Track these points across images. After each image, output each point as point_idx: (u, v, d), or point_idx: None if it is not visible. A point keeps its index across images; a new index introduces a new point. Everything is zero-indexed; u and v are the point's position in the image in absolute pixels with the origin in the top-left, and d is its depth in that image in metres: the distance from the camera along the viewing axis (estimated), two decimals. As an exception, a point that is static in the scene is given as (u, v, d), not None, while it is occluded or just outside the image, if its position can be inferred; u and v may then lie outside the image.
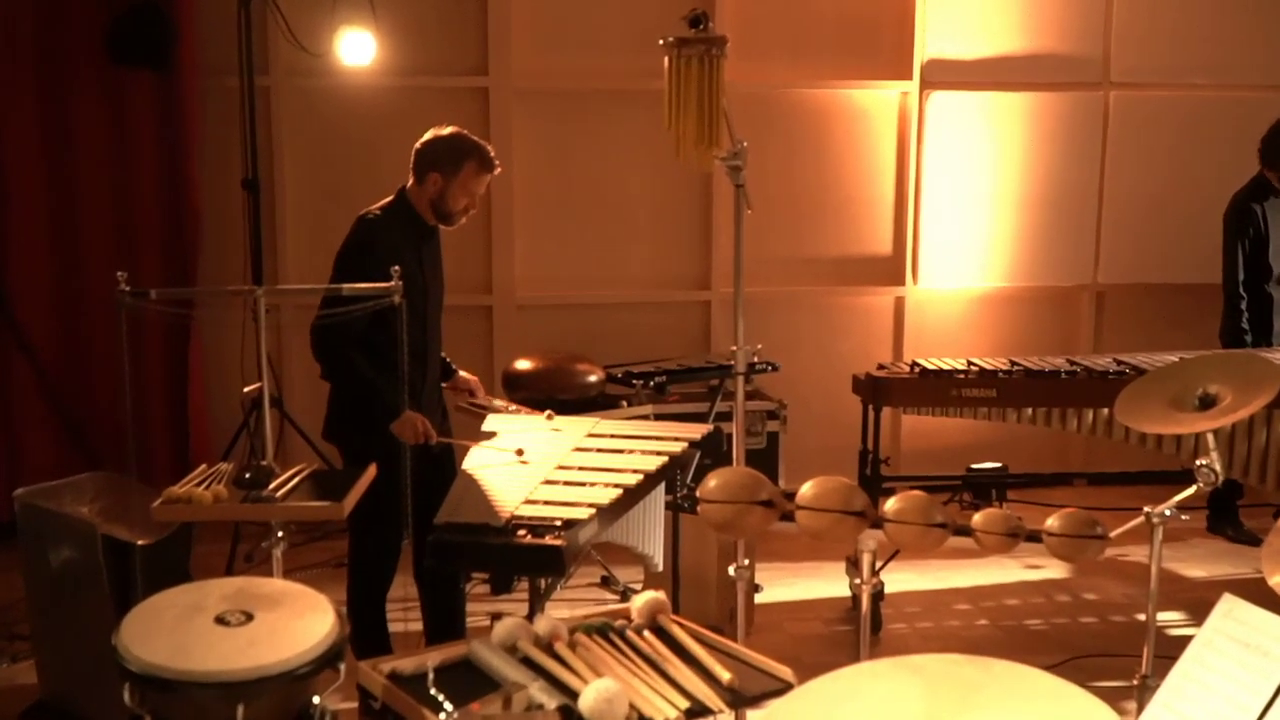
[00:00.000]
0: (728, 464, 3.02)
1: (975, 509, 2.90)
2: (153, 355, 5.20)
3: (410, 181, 3.60)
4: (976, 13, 5.77)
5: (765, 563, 4.73)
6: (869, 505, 2.49)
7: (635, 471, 3.14)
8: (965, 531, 2.54)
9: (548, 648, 2.33)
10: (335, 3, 4.94)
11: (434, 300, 3.68)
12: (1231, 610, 1.84)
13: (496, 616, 2.42)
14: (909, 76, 5.74)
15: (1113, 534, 2.62)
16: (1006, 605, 4.59)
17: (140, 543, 3.38)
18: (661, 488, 3.42)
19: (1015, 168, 5.90)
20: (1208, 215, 5.27)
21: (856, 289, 5.90)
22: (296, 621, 2.19)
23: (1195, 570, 4.92)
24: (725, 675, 2.26)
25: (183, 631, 2.15)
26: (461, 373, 3.93)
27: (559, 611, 4.21)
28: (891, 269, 5.93)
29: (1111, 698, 1.70)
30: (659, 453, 3.31)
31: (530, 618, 2.48)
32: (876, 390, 4.37)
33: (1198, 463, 2.90)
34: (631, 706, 2.09)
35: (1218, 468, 2.88)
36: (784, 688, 2.27)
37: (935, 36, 5.75)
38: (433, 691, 2.13)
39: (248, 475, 2.94)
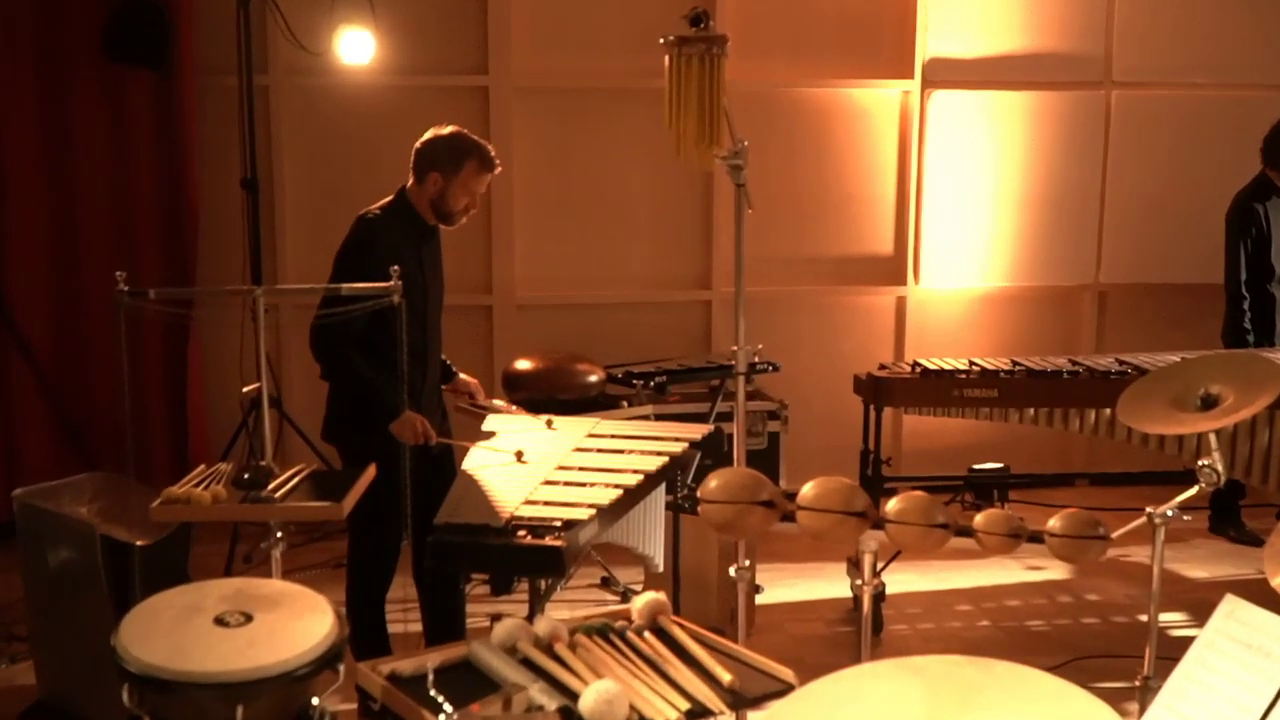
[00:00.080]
0: (728, 464, 3.02)
1: (977, 509, 2.90)
2: (151, 355, 5.19)
3: (410, 181, 3.59)
4: (978, 12, 5.77)
5: (766, 563, 4.72)
6: (870, 506, 2.49)
7: (635, 472, 3.14)
8: (967, 532, 2.54)
9: (548, 649, 2.33)
10: (334, 1, 4.93)
11: (434, 300, 3.67)
12: (1233, 611, 1.84)
13: (496, 617, 2.42)
14: (910, 75, 5.73)
15: (1114, 535, 2.61)
16: (1008, 606, 4.58)
17: (139, 543, 3.38)
18: (662, 488, 3.42)
19: (1017, 167, 5.89)
20: (1210, 215, 5.26)
21: (858, 289, 5.90)
22: (295, 622, 2.19)
23: (1197, 571, 4.91)
24: (726, 676, 2.26)
25: (181, 632, 2.14)
26: (462, 375, 3.92)
27: (559, 612, 4.20)
28: (893, 268, 5.93)
29: (1113, 699, 1.70)
30: (659, 453, 3.31)
31: (530, 619, 2.47)
32: (878, 390, 4.37)
33: (1200, 463, 2.90)
34: (632, 708, 2.09)
35: (1220, 468, 2.88)
36: (785, 689, 2.26)
37: (937, 35, 5.74)
38: (432, 693, 2.13)
39: (246, 476, 2.94)
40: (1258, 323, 5.04)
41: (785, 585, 4.71)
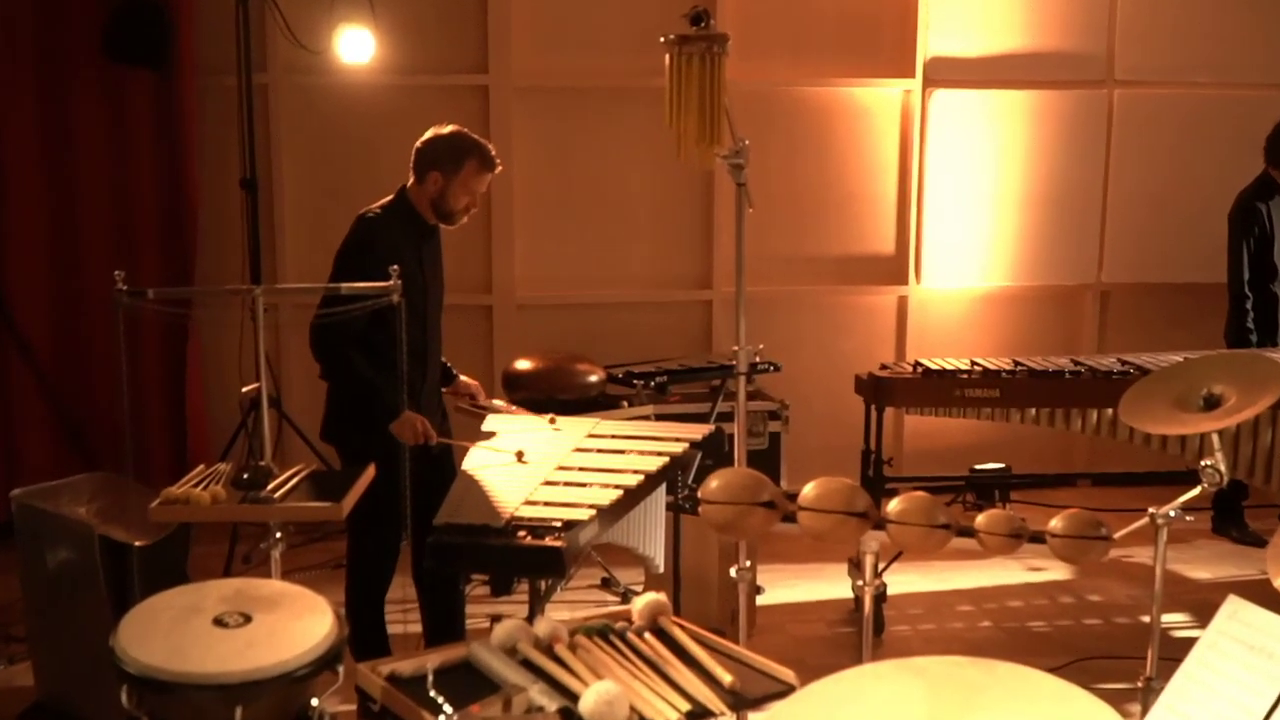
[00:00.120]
0: (729, 465, 3.01)
1: (978, 510, 2.90)
2: (150, 355, 5.18)
3: (411, 180, 3.58)
4: (979, 10, 5.76)
5: (767, 564, 4.71)
6: (871, 506, 2.48)
7: (636, 472, 3.13)
8: (968, 533, 2.53)
9: (548, 650, 2.33)
10: (334, 0, 4.92)
11: (434, 300, 3.67)
12: (1236, 612, 1.85)
13: (496, 618, 2.42)
14: (912, 74, 5.72)
15: (1117, 535, 2.61)
16: (1010, 607, 4.57)
17: (138, 544, 3.37)
18: (662, 489, 3.41)
19: (1019, 166, 5.89)
20: (1213, 214, 5.25)
21: (859, 288, 5.89)
22: (295, 623, 2.19)
23: (1200, 572, 4.90)
24: (727, 677, 2.26)
25: (180, 633, 2.14)
26: (462, 377, 3.91)
27: (559, 613, 4.19)
28: (894, 268, 5.92)
29: (1115, 700, 1.69)
30: (660, 453, 3.30)
31: (530, 619, 2.48)
32: (879, 390, 4.36)
33: (1202, 463, 2.89)
34: (632, 709, 2.09)
35: (1222, 468, 2.87)
36: (786, 690, 2.26)
37: (938, 34, 5.73)
38: (432, 694, 2.13)
39: (246, 476, 2.93)
40: (1260, 322, 5.03)
41: (786, 586, 4.70)
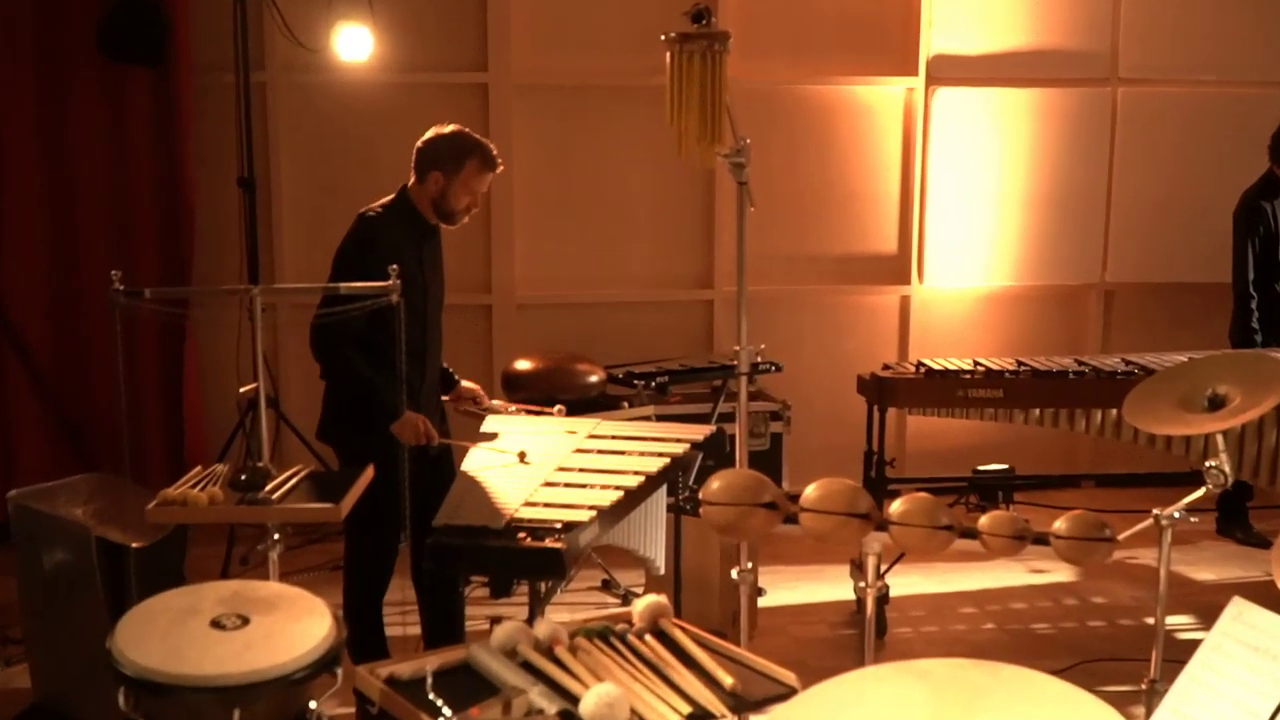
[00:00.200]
0: (730, 465, 3.00)
1: (981, 511, 2.89)
2: (148, 355, 5.17)
3: (412, 180, 3.57)
4: (982, 8, 5.75)
5: (768, 566, 4.69)
6: (874, 507, 2.47)
7: (637, 473, 3.12)
8: (971, 534, 2.52)
9: (548, 652, 2.32)
10: (332, -2, 4.91)
11: (434, 300, 3.66)
12: (1241, 614, 1.87)
13: (496, 620, 2.42)
14: (914, 72, 5.71)
15: (1121, 537, 2.60)
16: (1013, 609, 4.56)
17: (135, 545, 3.36)
18: (663, 490, 3.40)
19: (1022, 165, 5.87)
20: (1217, 213, 5.24)
21: (861, 288, 5.87)
22: (293, 625, 2.19)
23: (1204, 573, 4.89)
24: (728, 680, 2.26)
25: (178, 635, 2.14)
26: (464, 383, 3.89)
27: (559, 615, 4.17)
28: (897, 267, 5.90)
29: (1119, 702, 1.69)
30: (661, 454, 3.29)
31: (530, 621, 2.48)
32: (882, 391, 4.35)
33: (1207, 464, 2.90)
34: (633, 711, 2.09)
35: (1227, 469, 2.87)
36: (788, 692, 2.25)
37: (941, 32, 5.72)
38: (431, 696, 2.13)
39: (244, 477, 2.93)
40: (1265, 322, 5.01)
41: (788, 588, 4.69)
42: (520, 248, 5.56)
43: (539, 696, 2.12)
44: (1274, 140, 4.98)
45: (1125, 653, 4.02)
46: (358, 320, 3.23)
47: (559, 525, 2.73)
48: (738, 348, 3.24)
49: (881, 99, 5.79)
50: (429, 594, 3.67)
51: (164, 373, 5.22)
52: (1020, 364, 4.42)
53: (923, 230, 5.84)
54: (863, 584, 2.55)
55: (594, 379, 4.65)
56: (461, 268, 5.09)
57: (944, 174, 5.81)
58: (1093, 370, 4.36)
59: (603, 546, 3.59)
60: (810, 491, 2.49)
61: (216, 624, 2.16)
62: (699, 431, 3.53)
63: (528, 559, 2.68)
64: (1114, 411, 4.11)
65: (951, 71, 5.75)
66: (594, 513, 2.82)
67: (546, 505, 2.87)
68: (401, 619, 3.80)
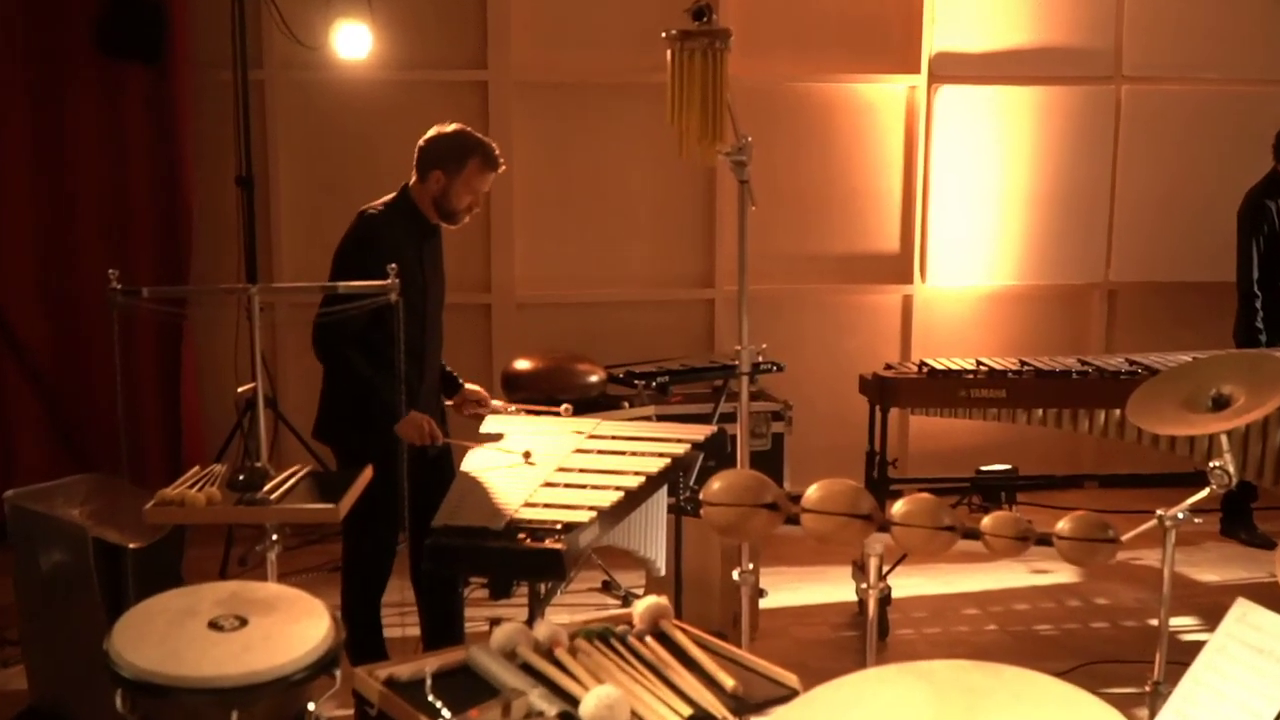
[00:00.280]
0: (732, 466, 2.99)
1: (984, 512, 2.87)
2: (145, 355, 5.16)
3: (413, 179, 3.56)
4: (985, 5, 5.74)
5: (770, 567, 4.68)
6: (876, 508, 2.46)
7: (637, 474, 3.11)
8: (974, 535, 2.51)
9: (548, 653, 2.32)
10: (331, -5, 4.90)
11: (434, 300, 3.64)
12: (1245, 615, 1.88)
13: (495, 622, 2.41)
14: (917, 70, 5.70)
15: (1124, 537, 2.59)
16: (1016, 610, 4.55)
17: (132, 546, 3.34)
18: (664, 490, 3.39)
19: (1025, 163, 5.86)
20: (1222, 212, 5.24)
21: (863, 287, 5.86)
22: (291, 627, 2.19)
23: (1208, 574, 4.87)
24: (729, 682, 2.26)
25: (176, 637, 2.14)
26: (468, 385, 3.86)
27: (559, 617, 4.15)
28: (899, 267, 5.89)
29: (1123, 704, 1.68)
30: (661, 454, 3.28)
31: (530, 623, 2.48)
32: (884, 390, 4.34)
33: (1211, 465, 2.90)
34: (633, 713, 2.09)
35: (1231, 470, 2.87)
36: (789, 694, 2.25)
37: (943, 29, 5.71)
38: (430, 698, 2.13)
39: (241, 477, 2.93)
40: (1270, 321, 5.01)
41: (789, 589, 4.68)
42: (520, 246, 5.55)
43: (539, 698, 2.11)
44: (1278, 138, 4.97)
45: (1128, 654, 4.00)
46: (358, 319, 3.22)
47: (559, 526, 2.72)
48: (739, 347, 3.23)
49: (884, 97, 5.78)
50: (428, 595, 3.65)
51: (162, 372, 5.21)
52: (1023, 364, 4.41)
53: (925, 229, 5.83)
54: (864, 585, 2.54)
55: (594, 379, 4.64)
56: (461, 267, 5.07)
57: (946, 172, 5.80)
58: (1096, 370, 4.35)
59: (603, 547, 3.58)
60: (812, 492, 2.48)
61: (214, 625, 2.16)
62: (700, 432, 3.52)
63: (527, 560, 2.67)
64: (1117, 412, 4.11)
65: (954, 69, 5.74)
66: (594, 513, 2.81)
67: (546, 506, 2.86)
68: (400, 620, 3.79)
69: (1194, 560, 4.98)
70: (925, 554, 2.57)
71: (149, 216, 5.14)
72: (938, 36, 5.71)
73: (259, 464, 2.94)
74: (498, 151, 3.55)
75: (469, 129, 3.55)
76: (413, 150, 3.54)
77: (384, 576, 3.57)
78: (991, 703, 1.61)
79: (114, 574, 3.30)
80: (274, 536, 2.86)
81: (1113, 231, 5.95)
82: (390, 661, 2.35)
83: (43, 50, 4.97)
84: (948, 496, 3.61)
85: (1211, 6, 5.85)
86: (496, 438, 3.44)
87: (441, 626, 3.63)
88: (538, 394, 4.39)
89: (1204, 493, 2.84)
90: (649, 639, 2.41)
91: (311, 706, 2.18)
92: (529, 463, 3.21)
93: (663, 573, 3.58)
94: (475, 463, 3.22)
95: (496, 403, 3.95)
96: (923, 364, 4.45)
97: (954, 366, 4.41)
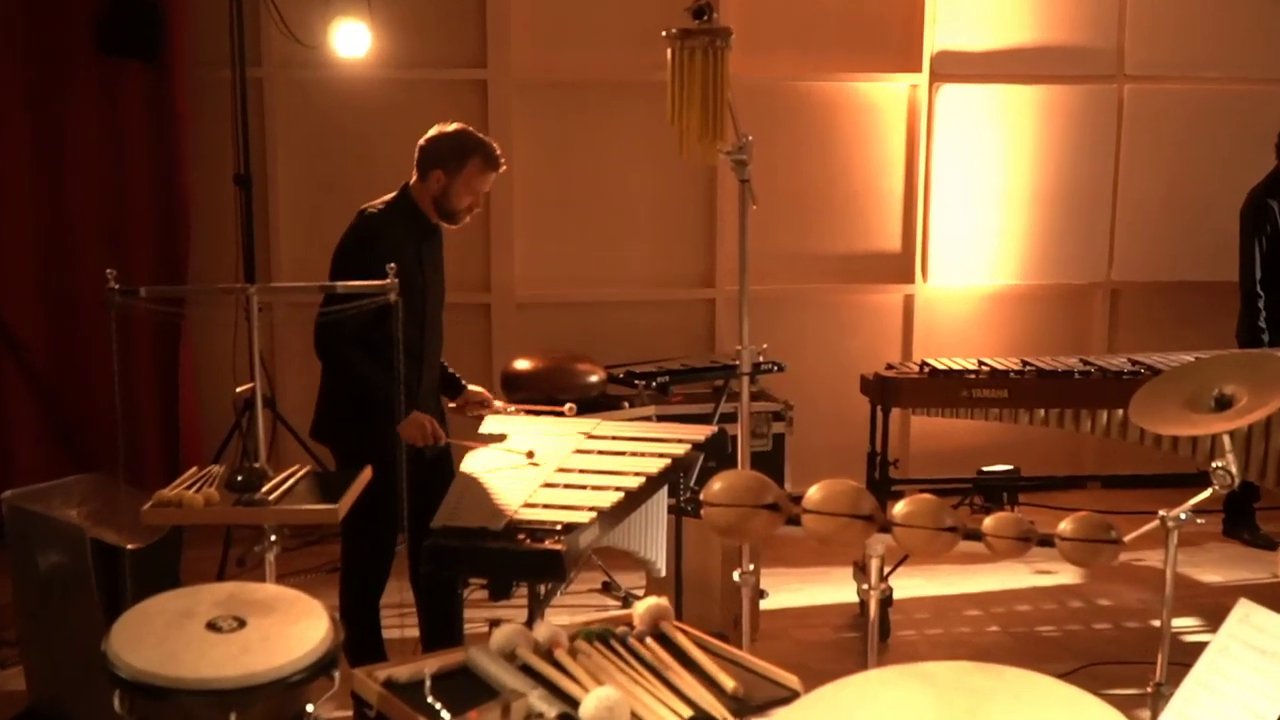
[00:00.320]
0: (732, 466, 2.97)
1: (986, 512, 2.86)
2: (143, 355, 5.15)
3: (413, 178, 3.55)
4: (987, 4, 5.73)
5: (771, 568, 4.68)
6: (877, 509, 2.45)
7: (637, 474, 3.11)
8: (976, 536, 2.50)
9: (548, 655, 2.32)
10: (330, -6, 4.89)
11: (434, 300, 3.63)
12: (1248, 616, 1.88)
13: (495, 623, 2.40)
14: (918, 69, 5.69)
15: (1127, 538, 2.58)
16: (1018, 611, 4.54)
17: (130, 547, 3.34)
18: (664, 491, 3.39)
19: (1027, 162, 5.85)
20: (1224, 211, 5.22)
21: (864, 286, 5.85)
22: (290, 628, 2.18)
23: (1211, 575, 4.87)
24: (730, 683, 2.25)
25: (174, 638, 2.14)
26: (471, 386, 3.85)
27: (559, 618, 4.11)
28: (900, 266, 5.88)
29: (1125, 706, 1.69)
30: (661, 455, 3.27)
31: (530, 624, 2.47)
32: (885, 391, 4.33)
33: (1214, 465, 2.89)
34: (633, 715, 2.08)
35: (1234, 470, 2.86)
36: (790, 696, 2.24)
37: (945, 28, 5.70)
38: (429, 700, 2.13)
39: (240, 478, 2.93)
40: (1273, 321, 5.00)
41: (790, 590, 4.67)
42: (520, 246, 5.54)
43: (538, 700, 2.11)
44: (1281, 137, 4.96)
45: (1131, 655, 3.99)
46: (358, 319, 3.21)
47: (559, 527, 2.72)
48: (740, 347, 3.22)
49: (885, 95, 5.77)
50: (427, 596, 3.64)
51: (160, 372, 5.19)
52: (1025, 364, 4.40)
53: (927, 228, 5.82)
54: (866, 586, 2.52)
55: (594, 379, 4.63)
56: (460, 266, 5.05)
57: (948, 171, 5.79)
58: (1098, 370, 4.34)
59: (603, 548, 3.57)
60: (813, 493, 2.47)
61: (213, 626, 2.16)
62: (700, 432, 3.52)
63: (527, 561, 2.67)
64: (1120, 412, 4.10)
65: (956, 68, 5.73)
66: (594, 514, 2.81)
67: (546, 506, 2.86)
68: (399, 621, 3.78)
69: (1196, 561, 4.97)
70: (927, 555, 2.56)
71: (147, 215, 5.13)
72: (939, 35, 5.70)
73: (257, 464, 2.94)
74: (498, 151, 3.54)
75: (470, 128, 3.55)
76: (412, 149, 3.54)
77: (383, 577, 3.56)
78: (993, 704, 1.60)
79: (112, 575, 3.30)
80: (272, 537, 2.87)
81: (1115, 231, 5.94)
82: (389, 663, 2.35)
83: (42, 50, 4.97)
84: (949, 497, 3.61)
85: (1214, 5, 5.84)
86: (499, 438, 3.43)
87: (441, 627, 3.61)
88: (538, 394, 4.38)
89: (1206, 493, 2.83)
90: (649, 640, 2.40)
91: (310, 708, 2.18)
92: (532, 463, 3.20)
93: (663, 574, 3.57)
94: (475, 463, 3.21)
95: (499, 404, 3.94)
96: (924, 364, 4.44)
97: (955, 366, 4.39)
